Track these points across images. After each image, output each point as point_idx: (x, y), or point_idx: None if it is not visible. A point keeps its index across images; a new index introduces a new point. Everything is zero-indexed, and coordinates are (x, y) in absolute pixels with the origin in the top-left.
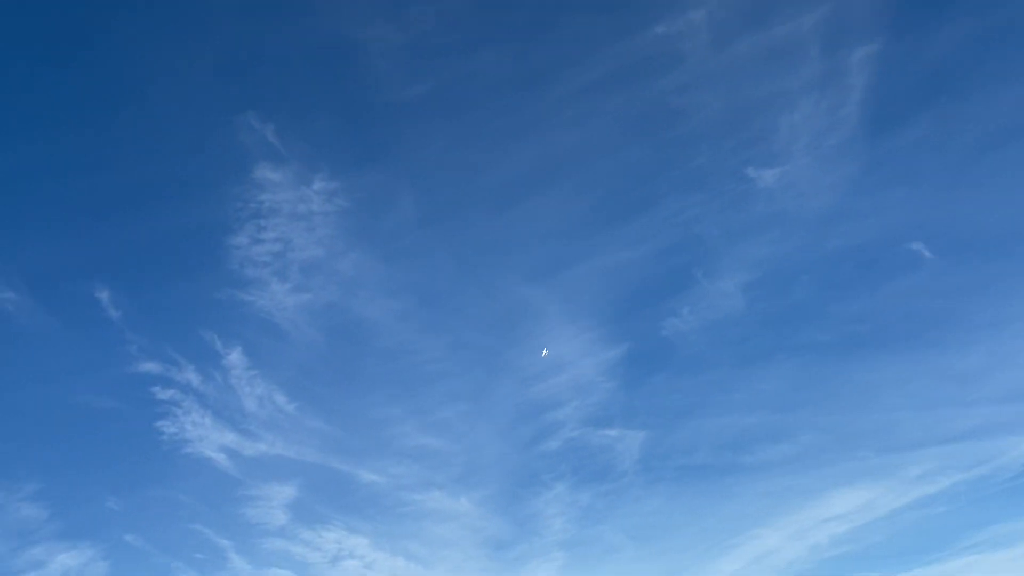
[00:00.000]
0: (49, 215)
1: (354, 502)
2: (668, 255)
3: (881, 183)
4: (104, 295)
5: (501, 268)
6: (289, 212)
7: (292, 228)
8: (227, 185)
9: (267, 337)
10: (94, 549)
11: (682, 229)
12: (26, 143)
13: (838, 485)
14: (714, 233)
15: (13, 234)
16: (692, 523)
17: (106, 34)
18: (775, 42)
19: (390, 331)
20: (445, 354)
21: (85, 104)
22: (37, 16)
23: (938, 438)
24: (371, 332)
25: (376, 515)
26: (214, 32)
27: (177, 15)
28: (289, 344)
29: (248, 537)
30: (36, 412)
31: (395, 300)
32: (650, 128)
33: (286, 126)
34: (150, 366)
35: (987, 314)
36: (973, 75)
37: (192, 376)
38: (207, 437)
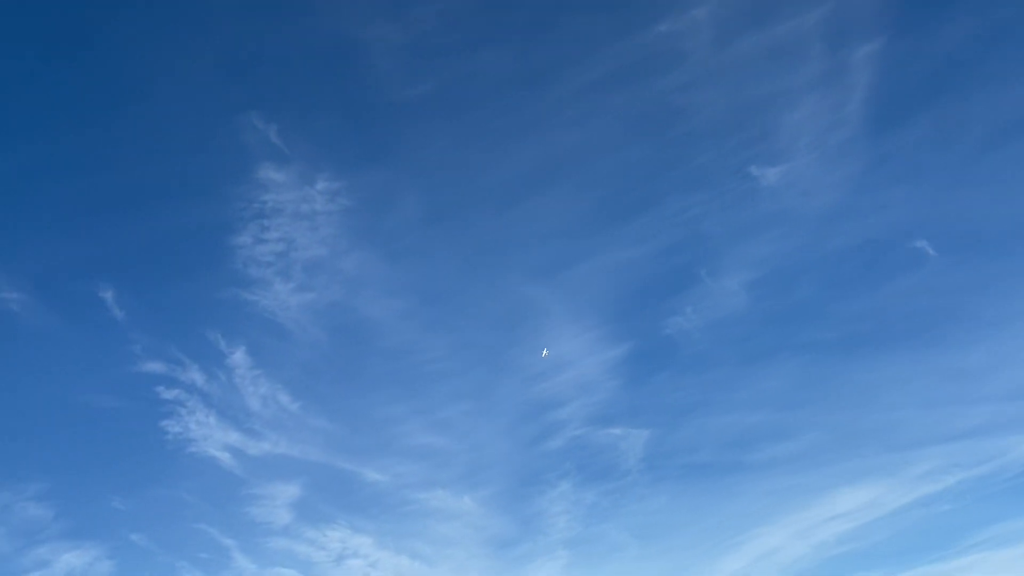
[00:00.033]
0: (53, 215)
1: (358, 501)
2: (671, 254)
3: (884, 181)
4: (108, 295)
5: (504, 267)
6: (292, 212)
7: (295, 228)
8: (230, 185)
9: (271, 336)
10: (99, 548)
11: (685, 228)
12: (30, 143)
13: (842, 483)
14: (717, 231)
15: (18, 234)
16: (696, 521)
17: (110, 34)
18: (777, 40)
19: (393, 330)
20: (448, 353)
21: (89, 104)
22: (41, 16)
23: (942, 436)
24: (374, 331)
25: (380, 514)
26: (217, 32)
27: (180, 15)
28: (293, 343)
29: (252, 536)
30: (41, 412)
31: (398, 299)
32: (653, 127)
33: (289, 126)
34: (154, 365)
35: (991, 312)
36: (976, 73)
37: (196, 375)
38: (211, 436)
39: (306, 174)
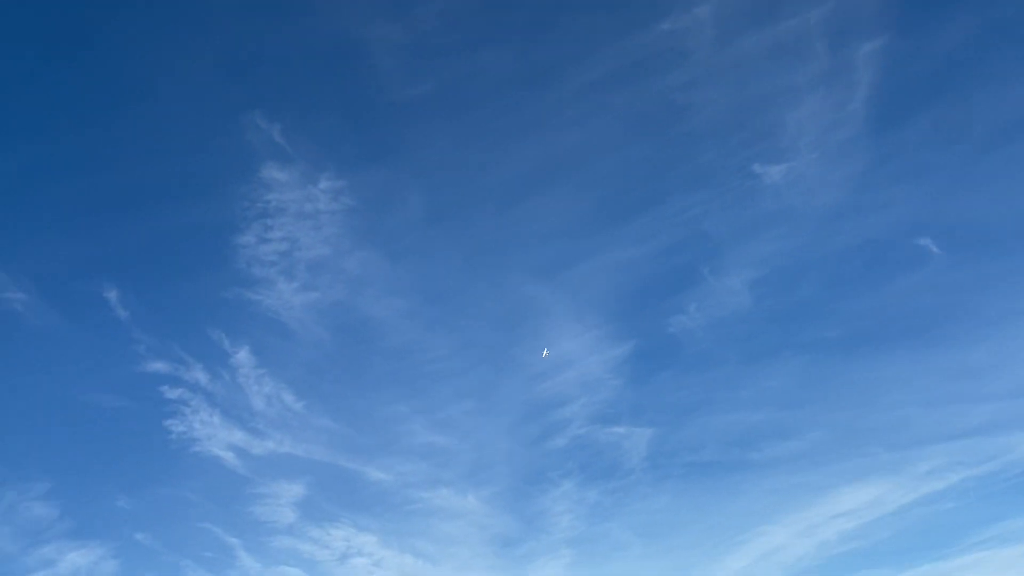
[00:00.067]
0: (57, 215)
1: (362, 500)
2: (674, 252)
3: (887, 179)
4: (112, 295)
5: (507, 266)
6: (296, 211)
7: (299, 227)
8: (234, 184)
9: (274, 336)
10: (104, 548)
11: (688, 226)
12: (34, 144)
13: (846, 482)
14: (720, 230)
15: (21, 234)
16: (700, 520)
17: (113, 34)
18: (781, 38)
19: (396, 329)
20: (451, 352)
21: (93, 104)
22: (45, 16)
23: (945, 435)
24: (378, 330)
25: (384, 513)
26: (220, 32)
27: (183, 16)
28: (296, 343)
29: (257, 535)
30: (45, 412)
31: (401, 298)
32: (656, 125)
33: (292, 125)
34: (158, 365)
35: (995, 310)
36: (979, 71)
37: (200, 375)
38: (215, 436)
39: (309, 173)
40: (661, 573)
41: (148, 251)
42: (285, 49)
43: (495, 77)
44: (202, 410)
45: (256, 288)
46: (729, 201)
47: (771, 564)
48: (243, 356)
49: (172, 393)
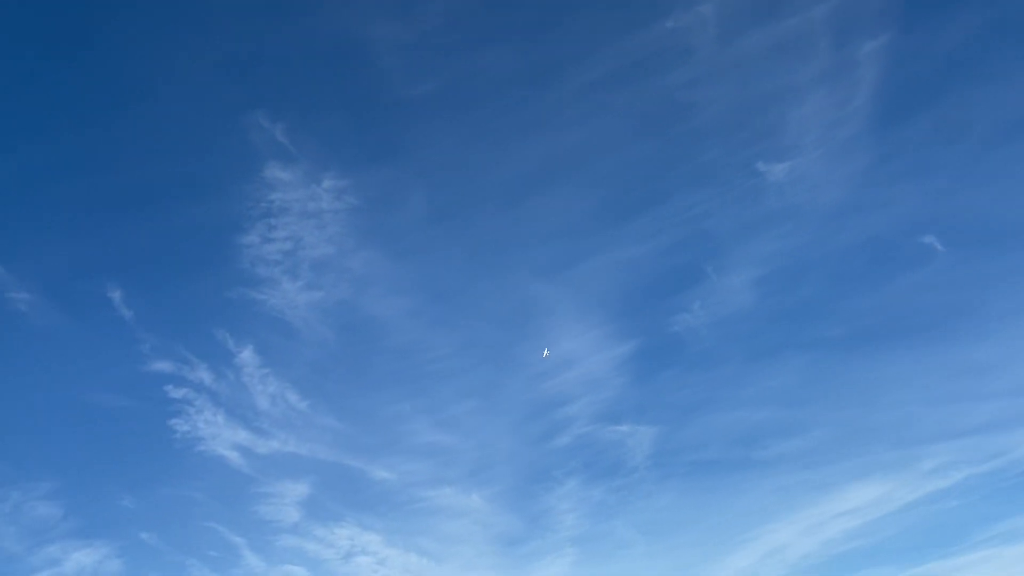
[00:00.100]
0: (61, 215)
1: (366, 499)
2: (678, 250)
3: (892, 176)
4: (116, 294)
5: (510, 265)
6: (299, 210)
7: (302, 226)
8: (237, 184)
9: (279, 335)
10: (109, 547)
11: (692, 224)
12: (38, 144)
13: (851, 480)
14: (724, 228)
15: (25, 234)
16: (704, 518)
17: (117, 34)
18: (784, 35)
19: (400, 328)
20: (455, 351)
21: (96, 104)
22: (49, 16)
23: (950, 432)
24: (381, 329)
25: (388, 512)
26: (223, 32)
27: (186, 15)
28: (300, 342)
29: (262, 534)
30: (49, 411)
31: (405, 297)
32: (659, 123)
33: (295, 125)
34: (163, 365)
35: (1000, 307)
36: (983, 67)
37: (205, 374)
38: (220, 435)
39: (313, 173)
40: (665, 571)
41: (152, 251)
42: (288, 48)
43: (498, 76)
44: (206, 409)
45: (260, 287)
46: (732, 199)
47: (775, 562)
48: (247, 355)
49: (176, 392)
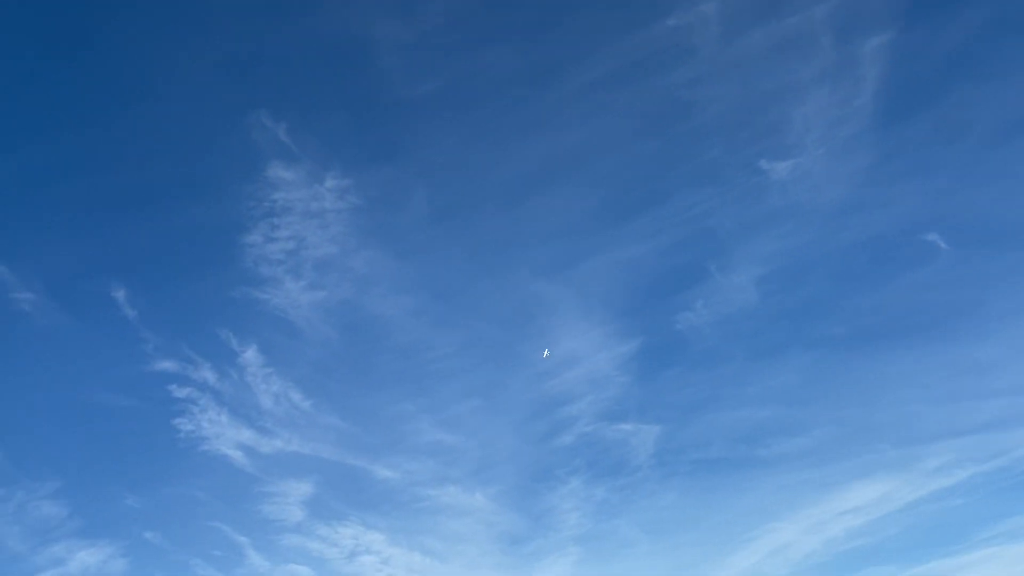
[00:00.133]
0: (64, 215)
1: (370, 498)
2: (681, 249)
3: (895, 174)
4: (120, 294)
5: (514, 263)
6: (302, 210)
7: (305, 226)
8: (240, 184)
9: (282, 335)
10: (113, 547)
11: (695, 223)
12: (41, 144)
13: (854, 478)
14: (727, 226)
15: (29, 234)
16: (707, 517)
17: (120, 34)
18: (787, 33)
19: (403, 327)
20: (458, 350)
21: (99, 104)
22: (53, 17)
23: (954, 430)
24: (385, 329)
25: (392, 511)
26: (226, 32)
27: (189, 15)
28: (304, 341)
29: (265, 534)
30: (53, 411)
31: (408, 296)
32: (662, 122)
33: (298, 124)
34: (166, 364)
35: (1003, 305)
36: (987, 64)
37: (208, 374)
38: (224, 434)
39: (315, 172)
40: (669, 570)
41: (155, 250)
42: (290, 48)
43: (500, 75)
44: (210, 409)
45: (263, 287)
46: (735, 197)
47: (779, 561)
48: (251, 355)
49: (180, 392)
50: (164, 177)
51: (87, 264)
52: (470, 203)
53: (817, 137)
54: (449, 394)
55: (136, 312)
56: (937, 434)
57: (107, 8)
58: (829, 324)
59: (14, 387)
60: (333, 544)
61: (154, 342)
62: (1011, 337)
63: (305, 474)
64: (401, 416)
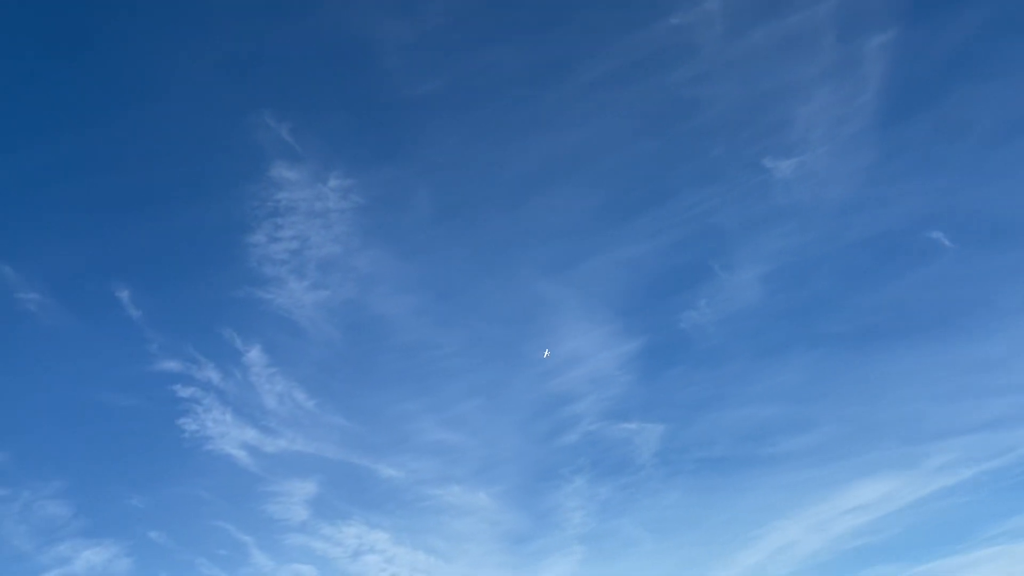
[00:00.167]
0: (69, 216)
1: (374, 497)
2: (685, 247)
3: (899, 172)
4: (124, 294)
5: (517, 263)
6: (306, 210)
7: (309, 226)
8: (244, 184)
9: (286, 334)
10: (118, 546)
11: (698, 221)
12: (45, 145)
13: (859, 476)
14: (731, 225)
15: (34, 235)
16: (711, 516)
17: (123, 35)
18: (790, 31)
19: (407, 327)
20: (461, 349)
21: (103, 105)
22: (56, 17)
23: (959, 428)
24: (388, 328)
25: (396, 510)
26: (229, 32)
27: (192, 16)
28: (307, 341)
29: (270, 533)
30: (58, 411)
31: (411, 296)
32: (665, 120)
33: (301, 124)
34: (171, 364)
35: (1008, 302)
36: (990, 62)
37: (212, 374)
38: (228, 434)
39: (319, 172)
40: (673, 569)
41: (159, 251)
42: (293, 48)
43: (503, 74)
44: (214, 409)
45: (267, 287)
46: (739, 196)
47: (784, 559)
48: (255, 355)
49: (184, 392)
50: (168, 177)
51: (91, 264)
52: (473, 202)
53: (820, 135)
54: (452, 393)
55: (140, 312)
56: (941, 432)
57: (115, 9)
58: (833, 322)
59: (19, 387)
60: (337, 543)
61: (158, 342)
62: (1016, 334)
63: (309, 473)
64: (405, 415)
